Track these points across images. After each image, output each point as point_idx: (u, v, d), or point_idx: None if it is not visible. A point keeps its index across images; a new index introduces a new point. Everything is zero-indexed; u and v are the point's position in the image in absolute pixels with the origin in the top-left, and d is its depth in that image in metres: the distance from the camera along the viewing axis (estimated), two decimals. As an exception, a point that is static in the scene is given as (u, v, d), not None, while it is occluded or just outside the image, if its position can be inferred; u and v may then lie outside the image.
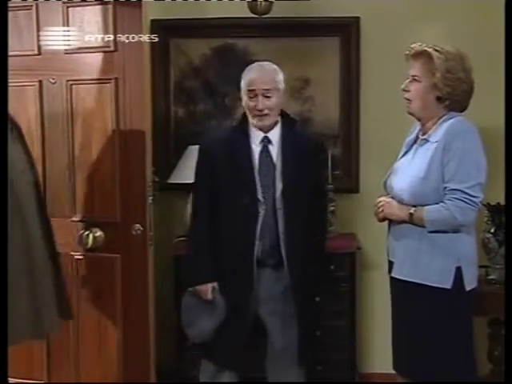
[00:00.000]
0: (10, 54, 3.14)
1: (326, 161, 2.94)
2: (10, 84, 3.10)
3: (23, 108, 3.22)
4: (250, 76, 2.71)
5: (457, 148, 2.39)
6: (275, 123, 2.76)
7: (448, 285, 2.41)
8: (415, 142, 2.59)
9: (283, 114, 2.80)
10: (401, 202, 2.50)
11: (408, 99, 2.54)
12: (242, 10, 3.48)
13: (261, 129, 2.74)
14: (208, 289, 2.72)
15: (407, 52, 2.55)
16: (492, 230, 3.22)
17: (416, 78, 2.50)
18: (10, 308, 2.31)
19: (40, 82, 3.20)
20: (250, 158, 2.71)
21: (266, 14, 3.47)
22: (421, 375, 2.48)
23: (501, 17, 2.68)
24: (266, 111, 2.69)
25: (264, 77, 2.70)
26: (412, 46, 2.54)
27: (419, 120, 2.57)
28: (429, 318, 2.44)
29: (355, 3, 3.58)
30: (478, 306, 3.10)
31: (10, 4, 3.08)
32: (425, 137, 2.52)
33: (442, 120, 2.49)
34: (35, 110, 3.20)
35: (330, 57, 3.64)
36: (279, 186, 2.70)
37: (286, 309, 2.73)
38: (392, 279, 2.57)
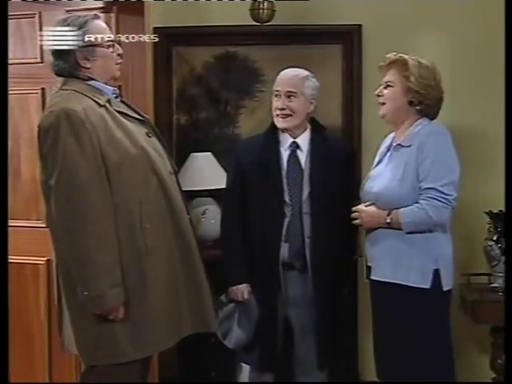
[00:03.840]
0: (13, 61, 3.17)
1: (355, 166, 2.98)
2: (12, 92, 3.14)
3: (26, 116, 3.24)
4: (279, 77, 2.84)
5: (430, 148, 2.45)
6: (304, 129, 2.84)
7: (427, 285, 2.45)
8: (389, 149, 2.64)
9: (313, 122, 2.89)
10: (379, 205, 2.53)
11: (381, 103, 2.62)
12: (244, 18, 3.49)
13: (286, 131, 2.82)
14: (244, 289, 2.80)
15: (382, 63, 2.64)
16: (494, 238, 3.22)
17: (390, 83, 2.59)
18: (175, 303, 2.36)
19: (43, 89, 3.21)
20: (278, 162, 2.80)
21: (269, 21, 3.48)
22: (401, 375, 2.50)
23: (502, 26, 2.69)
24: (287, 111, 2.78)
25: (291, 80, 2.81)
26: (387, 56, 2.63)
27: (391, 124, 2.63)
28: (408, 318, 2.47)
29: (357, 11, 3.59)
30: (480, 314, 3.13)
31: (13, 12, 3.11)
32: (399, 142, 2.58)
33: (415, 125, 2.56)
34: (38, 117, 3.17)
35: (332, 64, 3.64)
36: (306, 190, 2.77)
37: (311, 312, 2.77)
38: (371, 283, 2.60)
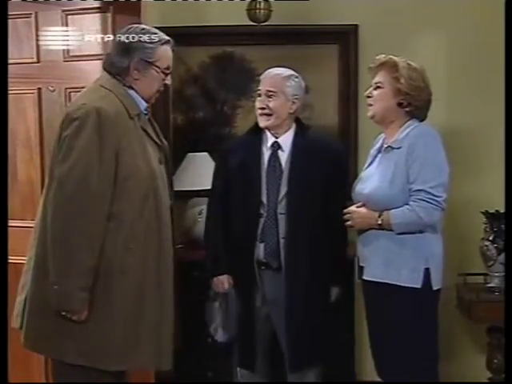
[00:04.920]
0: (10, 61, 3.16)
1: (343, 167, 2.93)
2: (8, 92, 3.13)
3: (22, 116, 3.24)
4: (262, 76, 2.86)
5: (419, 150, 2.46)
6: (287, 129, 2.82)
7: (418, 284, 2.47)
8: (380, 151, 2.65)
9: (298, 122, 2.87)
10: (370, 206, 2.54)
11: (370, 104, 2.61)
12: (241, 18, 3.49)
13: (268, 130, 2.81)
14: (224, 280, 2.81)
15: (371, 65, 2.63)
16: (491, 238, 3.23)
17: (379, 84, 2.58)
18: (135, 329, 2.31)
19: (39, 89, 3.21)
20: (259, 162, 2.79)
21: (266, 21, 3.48)
22: (392, 374, 2.53)
23: (499, 25, 2.69)
24: (266, 110, 2.78)
25: (271, 79, 2.81)
26: (377, 57, 2.63)
27: (380, 124, 2.63)
28: (399, 317, 2.48)
29: (354, 11, 3.59)
30: (477, 314, 3.13)
31: (9, 12, 3.10)
32: (389, 144, 2.58)
33: (405, 127, 2.56)
34: (34, 117, 3.21)
35: (328, 64, 3.65)
36: (283, 190, 2.75)
37: (289, 310, 2.76)
38: (364, 283, 2.61)
